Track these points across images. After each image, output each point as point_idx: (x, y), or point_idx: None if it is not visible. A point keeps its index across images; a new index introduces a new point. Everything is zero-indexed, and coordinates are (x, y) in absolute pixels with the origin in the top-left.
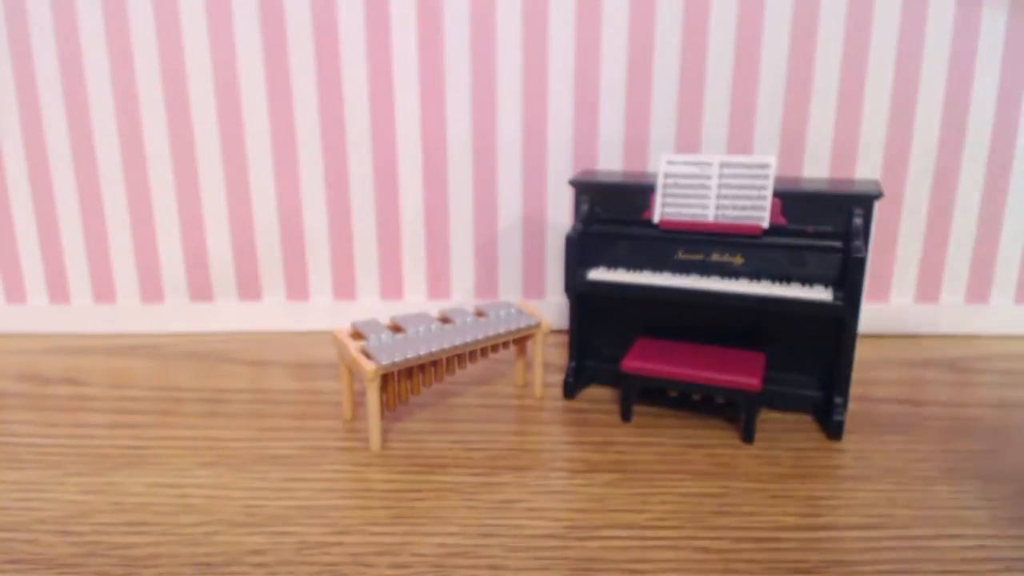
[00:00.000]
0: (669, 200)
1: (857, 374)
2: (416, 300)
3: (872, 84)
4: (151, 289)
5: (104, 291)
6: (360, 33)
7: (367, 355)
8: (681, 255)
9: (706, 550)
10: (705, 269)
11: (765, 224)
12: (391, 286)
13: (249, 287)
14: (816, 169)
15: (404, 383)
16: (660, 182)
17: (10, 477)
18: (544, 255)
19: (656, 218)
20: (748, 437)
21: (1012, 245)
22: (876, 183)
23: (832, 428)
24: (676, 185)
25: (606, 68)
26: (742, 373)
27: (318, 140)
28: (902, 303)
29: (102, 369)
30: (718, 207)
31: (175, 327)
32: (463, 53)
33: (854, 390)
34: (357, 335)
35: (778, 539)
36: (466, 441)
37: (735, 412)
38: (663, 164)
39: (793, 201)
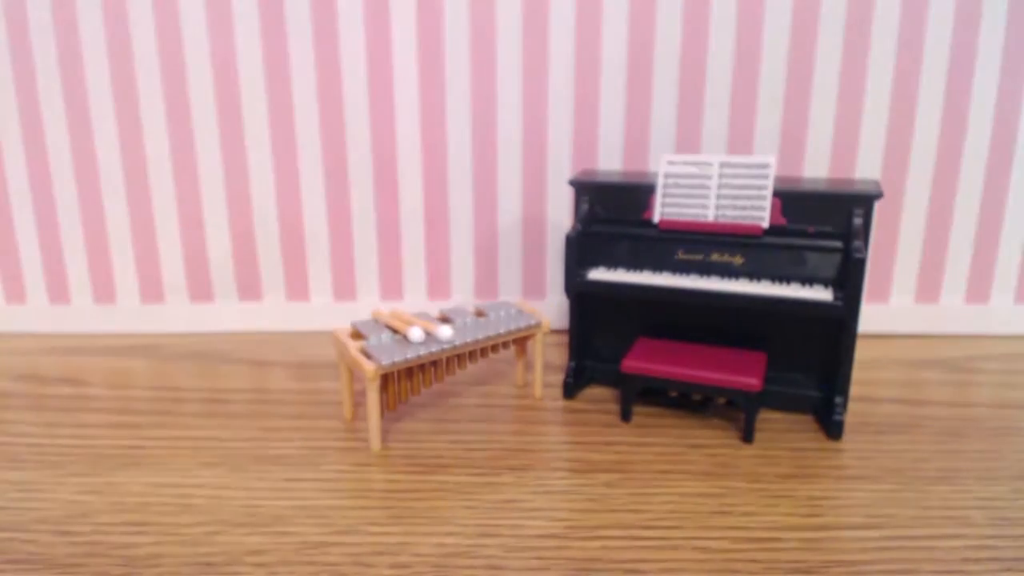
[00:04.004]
0: (669, 200)
1: (857, 374)
2: (416, 300)
3: (872, 84)
4: (151, 289)
5: (104, 291)
6: (360, 33)
7: (367, 355)
8: (681, 255)
9: (706, 550)
10: (705, 269)
11: (765, 224)
12: (391, 286)
13: (249, 287)
14: (816, 169)
15: (404, 383)
16: (660, 182)
17: (10, 477)
18: (544, 255)
19: (656, 218)
20: (748, 437)
21: (1012, 245)
22: (876, 183)
23: (832, 428)
24: (676, 185)
25: (606, 68)
26: (742, 373)
27: (318, 140)
28: (902, 303)
29: (102, 369)
30: (718, 207)
31: (175, 327)
32: (463, 53)
33: (854, 390)
34: (357, 335)
35: (778, 539)
36: (466, 441)
37: (735, 412)
38: (663, 164)
39: (793, 201)
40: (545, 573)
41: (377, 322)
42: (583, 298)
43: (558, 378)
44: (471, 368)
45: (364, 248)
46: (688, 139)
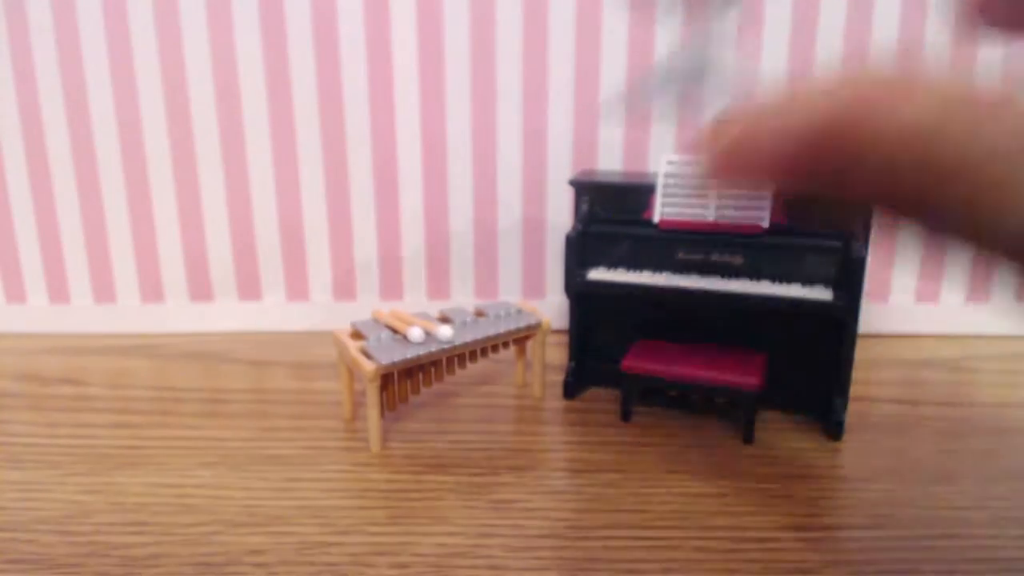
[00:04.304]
0: (669, 200)
1: (857, 374)
2: (416, 300)
3: None
4: (151, 289)
5: (104, 291)
6: (360, 33)
7: (367, 355)
8: (681, 255)
9: (706, 550)
10: (705, 269)
11: (765, 224)
12: (391, 286)
13: (249, 287)
14: None
15: (404, 383)
16: (660, 182)
17: (10, 477)
18: (544, 255)
19: (656, 218)
20: (748, 437)
21: None
22: None
23: (832, 428)
24: (676, 185)
25: (606, 68)
26: (742, 373)
27: (318, 140)
28: (902, 303)
29: (102, 369)
30: (718, 207)
31: (175, 327)
32: (463, 53)
33: (854, 390)
34: (357, 335)
35: (778, 539)
36: (466, 441)
37: (735, 412)
38: (663, 164)
39: (793, 201)
40: (545, 573)
41: (377, 322)
42: (583, 298)
43: (558, 378)
44: (471, 368)
45: (364, 248)
46: (688, 139)
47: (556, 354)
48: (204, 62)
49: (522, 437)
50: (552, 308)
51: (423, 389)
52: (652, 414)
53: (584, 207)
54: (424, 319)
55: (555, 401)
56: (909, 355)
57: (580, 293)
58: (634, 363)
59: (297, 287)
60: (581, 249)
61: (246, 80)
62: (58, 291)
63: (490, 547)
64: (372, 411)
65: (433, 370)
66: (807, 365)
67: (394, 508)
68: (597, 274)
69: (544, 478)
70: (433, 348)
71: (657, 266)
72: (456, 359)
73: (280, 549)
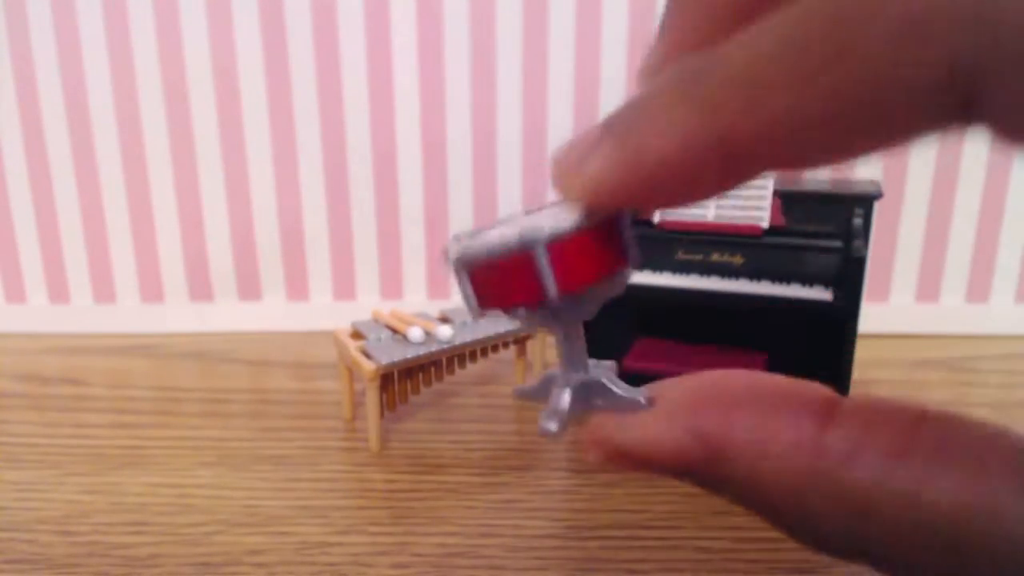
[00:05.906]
0: None
1: (857, 374)
2: (416, 300)
3: None
4: (151, 289)
5: (104, 291)
6: (360, 33)
7: (367, 355)
8: (681, 255)
9: (706, 550)
10: (705, 269)
11: (765, 224)
12: (391, 286)
13: (249, 287)
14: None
15: (404, 383)
16: None
17: (10, 477)
18: None
19: (655, 218)
20: None
21: (1012, 245)
22: (876, 183)
23: None
24: None
25: (606, 68)
26: None
27: (318, 140)
28: (902, 303)
29: (102, 369)
30: (718, 207)
31: (175, 327)
32: (463, 53)
33: (854, 390)
34: (357, 335)
35: (778, 539)
36: (466, 441)
37: None
38: None
39: (793, 201)
40: (545, 573)
41: (377, 322)
42: None
43: None
44: (471, 368)
45: (364, 248)
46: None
47: (556, 354)
48: (204, 62)
49: (522, 437)
50: None
51: (423, 389)
52: None
53: None
54: (424, 319)
55: None
56: (909, 355)
57: None
58: (634, 363)
59: (297, 287)
60: None
61: (246, 80)
62: (58, 291)
63: (490, 547)
64: (372, 411)
65: (433, 370)
66: (807, 365)
67: (394, 508)
68: None
69: (544, 478)
70: (433, 348)
71: (657, 266)
72: (456, 359)
73: (280, 549)
